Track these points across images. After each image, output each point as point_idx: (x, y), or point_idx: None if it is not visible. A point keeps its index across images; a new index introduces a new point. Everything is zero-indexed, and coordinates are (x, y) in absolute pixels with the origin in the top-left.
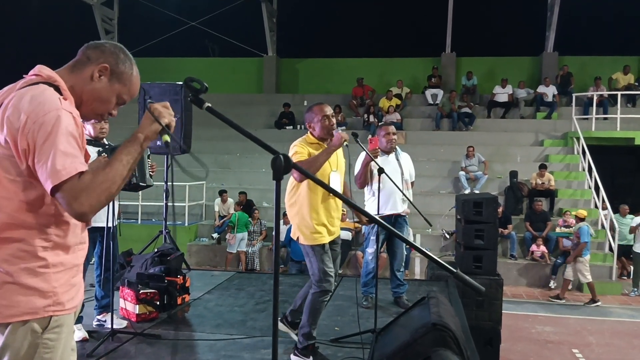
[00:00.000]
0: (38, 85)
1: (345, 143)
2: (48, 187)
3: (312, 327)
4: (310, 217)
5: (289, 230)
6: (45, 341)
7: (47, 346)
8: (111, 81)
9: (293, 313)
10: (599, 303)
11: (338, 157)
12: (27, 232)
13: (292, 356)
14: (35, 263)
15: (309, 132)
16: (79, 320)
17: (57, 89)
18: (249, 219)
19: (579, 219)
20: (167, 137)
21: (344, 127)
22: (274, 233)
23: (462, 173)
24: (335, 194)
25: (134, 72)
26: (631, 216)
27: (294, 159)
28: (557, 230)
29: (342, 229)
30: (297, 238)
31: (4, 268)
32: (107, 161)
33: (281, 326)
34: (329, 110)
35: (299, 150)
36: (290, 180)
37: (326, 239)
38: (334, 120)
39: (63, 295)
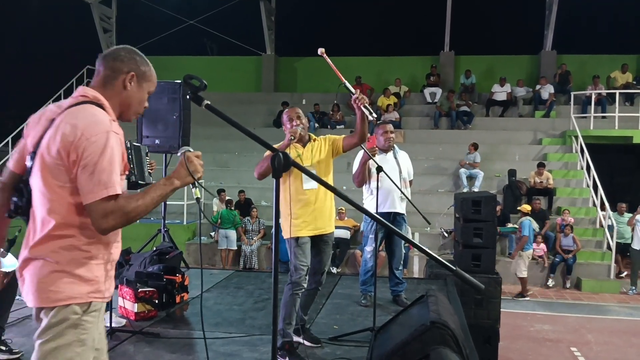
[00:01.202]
0: (88, 105)
1: (292, 137)
2: (85, 200)
3: (286, 322)
4: (284, 210)
5: None
6: (83, 323)
7: (84, 328)
8: (139, 84)
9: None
10: (527, 298)
11: (313, 152)
12: (75, 230)
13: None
14: (80, 255)
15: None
16: None
17: (102, 107)
18: (237, 215)
19: (523, 214)
20: (198, 193)
21: (342, 126)
22: (273, 232)
23: (462, 170)
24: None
25: (151, 66)
26: (629, 214)
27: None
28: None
29: (340, 227)
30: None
31: (54, 258)
32: (143, 192)
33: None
34: (293, 114)
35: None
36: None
37: (303, 232)
38: (298, 121)
39: (102, 284)
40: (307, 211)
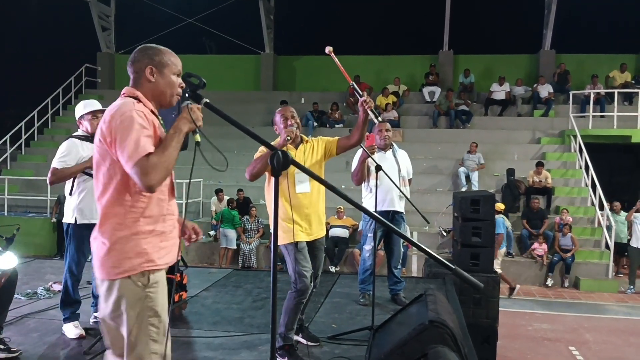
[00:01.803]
0: (119, 100)
1: (287, 137)
2: (126, 167)
3: (288, 327)
4: (280, 215)
5: None
6: (148, 294)
7: (150, 298)
8: (161, 72)
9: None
10: (518, 287)
11: (306, 154)
12: (121, 208)
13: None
14: (127, 231)
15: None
16: (76, 317)
17: (137, 98)
18: (237, 216)
19: (497, 212)
20: (198, 137)
21: (341, 125)
22: (271, 231)
23: (461, 169)
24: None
25: (165, 52)
26: (624, 213)
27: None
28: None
29: (339, 226)
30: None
31: (105, 238)
32: (163, 145)
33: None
34: (287, 113)
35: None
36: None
37: (300, 237)
38: (292, 121)
39: (153, 254)
40: (302, 216)
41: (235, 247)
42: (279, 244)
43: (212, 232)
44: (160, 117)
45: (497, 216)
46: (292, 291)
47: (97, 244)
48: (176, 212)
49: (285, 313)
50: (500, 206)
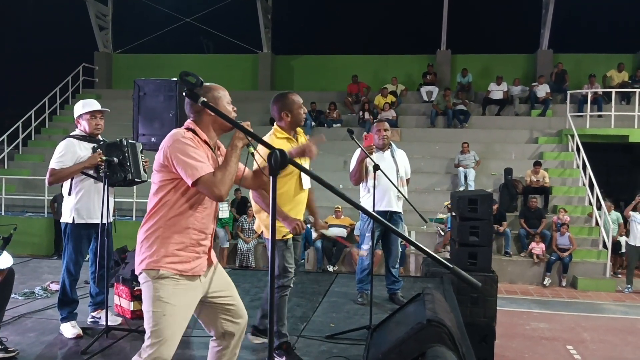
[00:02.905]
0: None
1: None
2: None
3: (280, 324)
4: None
5: None
6: (157, 285)
7: (156, 289)
8: (217, 106)
9: (263, 320)
10: None
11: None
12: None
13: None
14: (152, 236)
15: (277, 125)
16: (73, 317)
17: (194, 131)
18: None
19: (448, 209)
20: (252, 149)
21: (338, 124)
22: (270, 229)
23: (461, 169)
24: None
25: (213, 87)
26: (616, 213)
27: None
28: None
29: (337, 225)
30: (262, 232)
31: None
32: (224, 162)
33: (253, 338)
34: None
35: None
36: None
37: (290, 235)
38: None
39: (170, 258)
40: (299, 212)
41: (227, 246)
42: (268, 237)
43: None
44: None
45: (450, 213)
46: (275, 287)
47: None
48: (204, 229)
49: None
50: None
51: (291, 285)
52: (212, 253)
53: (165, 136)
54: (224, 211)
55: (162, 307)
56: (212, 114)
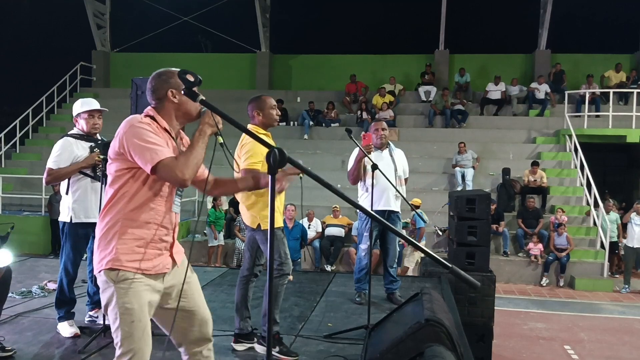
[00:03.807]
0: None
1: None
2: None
3: (274, 312)
4: (267, 200)
5: None
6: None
7: (119, 293)
8: (180, 93)
9: (243, 323)
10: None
11: None
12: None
13: (256, 345)
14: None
15: (252, 123)
16: (71, 316)
17: (153, 118)
18: (212, 215)
19: (415, 207)
20: (221, 139)
21: (337, 124)
22: (268, 228)
23: (458, 169)
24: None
25: (173, 73)
26: (616, 214)
27: (250, 161)
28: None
29: (335, 225)
30: (258, 226)
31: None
32: (189, 147)
33: (237, 346)
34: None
35: (254, 150)
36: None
37: (280, 223)
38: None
39: (124, 256)
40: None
41: (215, 244)
42: (267, 228)
43: (206, 231)
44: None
45: (417, 211)
46: (275, 275)
47: None
48: (170, 226)
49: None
50: (417, 201)
51: (289, 272)
52: (176, 249)
53: None
54: (176, 205)
55: (129, 313)
56: (175, 101)
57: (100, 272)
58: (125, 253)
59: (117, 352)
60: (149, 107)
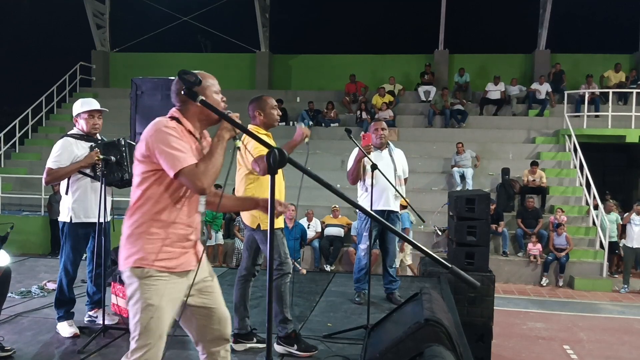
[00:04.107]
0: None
1: (306, 140)
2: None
3: (285, 311)
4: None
5: None
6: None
7: (142, 289)
8: (204, 95)
9: (242, 323)
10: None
11: None
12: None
13: (276, 346)
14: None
15: (253, 123)
16: (70, 316)
17: (178, 120)
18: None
19: (402, 207)
20: (239, 143)
21: (336, 124)
22: (268, 228)
23: (455, 169)
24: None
25: (201, 74)
26: (616, 214)
27: (258, 150)
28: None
29: (334, 225)
30: (257, 226)
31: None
32: (208, 154)
33: (237, 346)
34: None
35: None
36: (244, 173)
37: (280, 224)
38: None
39: (153, 255)
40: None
41: (213, 244)
42: (267, 228)
43: (204, 230)
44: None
45: (402, 211)
46: (276, 276)
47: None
48: (189, 223)
49: (277, 300)
50: (403, 202)
51: (290, 272)
52: (199, 248)
53: None
54: (201, 205)
55: (149, 309)
56: (199, 104)
57: (125, 270)
58: (151, 252)
59: (133, 345)
60: (174, 109)
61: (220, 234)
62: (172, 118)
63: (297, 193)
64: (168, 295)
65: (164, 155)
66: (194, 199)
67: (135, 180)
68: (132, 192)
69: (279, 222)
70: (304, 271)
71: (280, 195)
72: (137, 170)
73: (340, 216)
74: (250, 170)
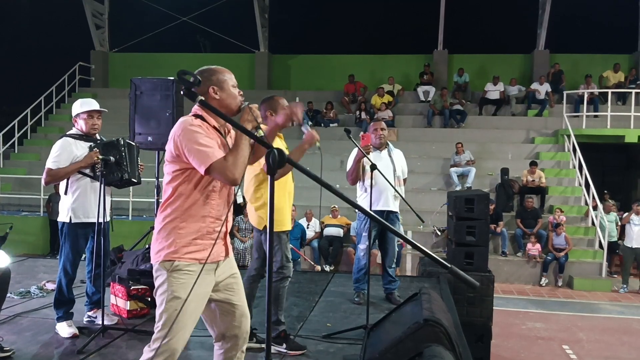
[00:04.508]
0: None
1: (317, 144)
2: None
3: (279, 313)
4: (280, 203)
5: None
6: (170, 278)
7: (170, 283)
8: (221, 89)
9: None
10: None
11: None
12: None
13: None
14: (169, 227)
15: (264, 123)
16: (69, 316)
17: (202, 117)
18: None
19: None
20: (261, 132)
21: (335, 124)
22: (268, 228)
23: (453, 170)
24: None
25: (218, 70)
26: (614, 214)
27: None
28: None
29: (334, 225)
30: (264, 227)
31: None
32: (234, 146)
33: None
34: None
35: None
36: (253, 174)
37: (286, 227)
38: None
39: (184, 248)
40: (288, 205)
41: None
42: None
43: None
44: None
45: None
46: (276, 278)
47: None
48: (218, 216)
49: (274, 301)
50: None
51: (290, 275)
52: (228, 240)
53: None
54: (238, 196)
55: (174, 301)
56: (217, 97)
57: (157, 262)
58: (183, 246)
59: (155, 334)
60: (196, 106)
61: None
62: (196, 116)
63: (299, 193)
64: (195, 289)
65: (193, 153)
66: (223, 193)
67: (166, 178)
68: (164, 190)
69: (286, 225)
70: (318, 268)
71: (289, 196)
72: (168, 169)
73: (339, 216)
74: (261, 168)
